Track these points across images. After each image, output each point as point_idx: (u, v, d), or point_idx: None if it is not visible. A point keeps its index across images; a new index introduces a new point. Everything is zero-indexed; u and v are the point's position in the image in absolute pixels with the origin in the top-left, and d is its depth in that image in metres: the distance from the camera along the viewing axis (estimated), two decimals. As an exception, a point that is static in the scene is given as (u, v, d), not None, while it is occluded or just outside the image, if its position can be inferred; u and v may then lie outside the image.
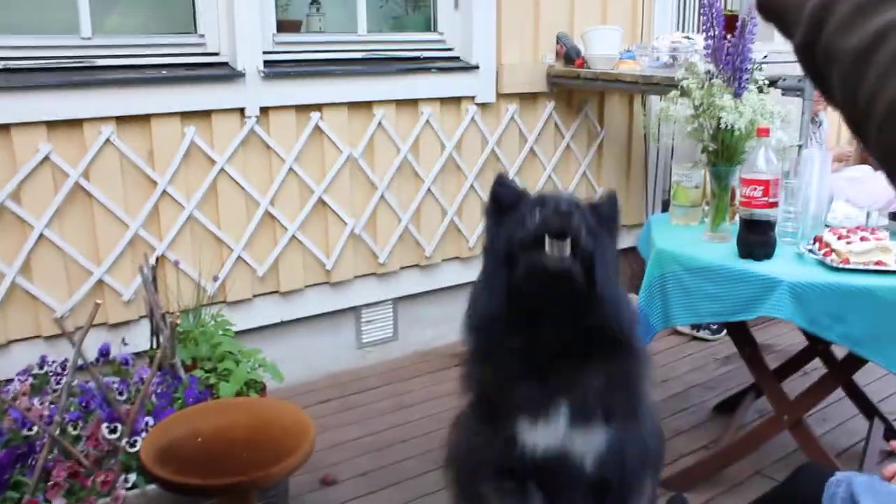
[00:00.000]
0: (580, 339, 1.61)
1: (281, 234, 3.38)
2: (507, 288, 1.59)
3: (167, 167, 3.03)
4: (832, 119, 4.95)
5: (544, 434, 1.62)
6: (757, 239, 2.34)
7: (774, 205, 2.34)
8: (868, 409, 2.97)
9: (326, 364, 3.73)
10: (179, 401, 2.36)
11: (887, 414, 3.02)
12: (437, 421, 3.27)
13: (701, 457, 2.88)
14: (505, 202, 1.66)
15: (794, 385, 3.29)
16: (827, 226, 2.56)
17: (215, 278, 3.16)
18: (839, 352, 2.69)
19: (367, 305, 3.79)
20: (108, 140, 2.88)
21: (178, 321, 2.32)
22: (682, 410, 3.38)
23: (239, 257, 3.27)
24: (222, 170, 3.16)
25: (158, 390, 2.43)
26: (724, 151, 2.55)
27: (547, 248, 1.51)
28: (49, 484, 2.11)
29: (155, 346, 2.71)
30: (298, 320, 3.57)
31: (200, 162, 3.13)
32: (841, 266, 2.22)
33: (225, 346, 2.60)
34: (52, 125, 2.80)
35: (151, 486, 2.20)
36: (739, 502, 2.61)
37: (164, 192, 3.04)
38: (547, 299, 1.58)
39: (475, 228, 3.99)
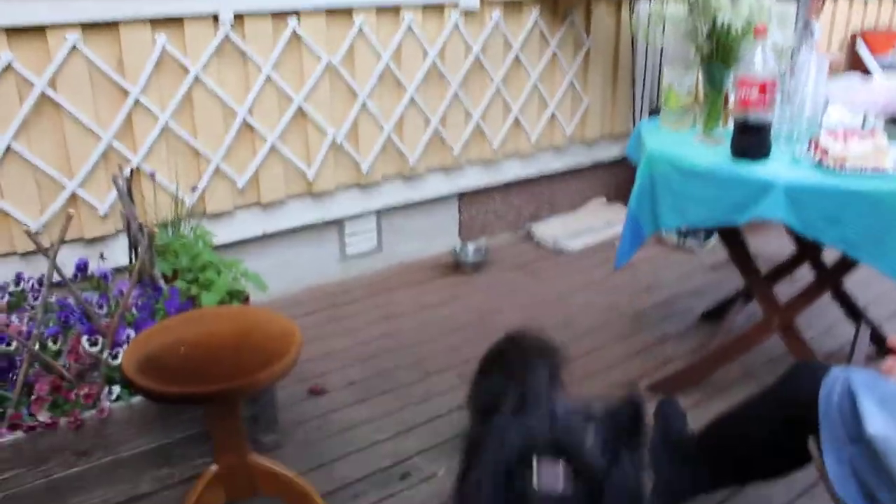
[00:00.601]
0: None
1: (260, 144, 3.28)
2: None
3: (138, 76, 2.90)
4: (822, 28, 4.85)
5: None
6: (752, 141, 2.28)
7: (771, 107, 2.27)
8: (854, 312, 2.96)
9: (311, 276, 3.68)
10: (161, 312, 2.31)
11: (873, 319, 3.02)
12: (424, 331, 3.26)
13: (689, 361, 2.88)
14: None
15: (783, 292, 3.29)
16: (822, 128, 2.50)
17: (193, 188, 3.07)
18: (829, 257, 2.67)
19: (351, 217, 3.72)
20: (74, 48, 2.74)
21: (156, 230, 2.24)
22: (671, 317, 3.38)
23: (217, 169, 3.18)
24: (197, 79, 3.03)
25: (139, 302, 2.38)
26: (719, 52, 2.47)
27: (535, 473, 1.15)
28: (32, 398, 2.08)
29: (134, 260, 2.64)
30: (281, 233, 3.51)
31: (173, 71, 3.00)
32: (837, 169, 2.16)
33: (206, 257, 2.54)
34: (12, 32, 2.65)
35: (137, 398, 2.18)
36: (728, 405, 2.61)
37: (137, 101, 2.92)
38: None
39: (459, 137, 3.90)
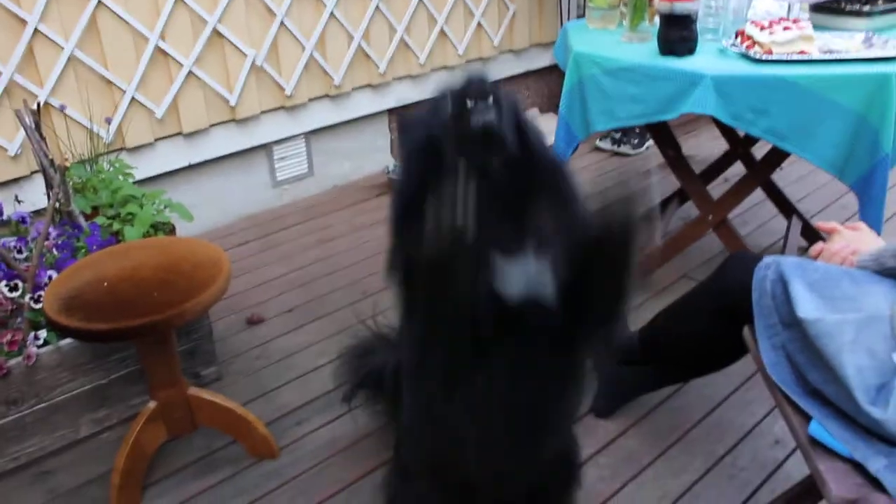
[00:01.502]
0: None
1: (176, 70, 3.13)
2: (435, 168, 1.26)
3: (34, 3, 2.71)
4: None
5: (518, 275, 1.30)
6: (678, 34, 2.25)
7: (695, -1, 2.23)
8: (786, 208, 3.00)
9: (242, 205, 3.59)
10: (83, 250, 2.21)
11: (804, 213, 3.07)
12: (361, 252, 3.22)
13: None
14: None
15: (716, 191, 3.32)
16: (747, 21, 2.48)
17: (108, 121, 2.92)
18: (759, 154, 2.68)
19: (278, 141, 3.61)
20: (-41, -27, 2.55)
21: (68, 164, 2.13)
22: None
23: (133, 99, 3.03)
24: (100, 2, 2.85)
25: (59, 241, 2.28)
26: (641, -57, 2.40)
27: (471, 113, 1.22)
28: (-47, 349, 1.99)
29: (54, 189, 2.52)
30: (207, 162, 3.39)
31: (73, -5, 2.82)
32: (764, 58, 2.15)
33: (126, 191, 2.43)
34: None
35: (66, 341, 2.10)
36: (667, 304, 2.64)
37: (36, 30, 2.73)
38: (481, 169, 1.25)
39: (385, 53, 3.79)
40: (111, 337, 1.76)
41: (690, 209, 2.84)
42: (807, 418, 1.39)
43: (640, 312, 2.59)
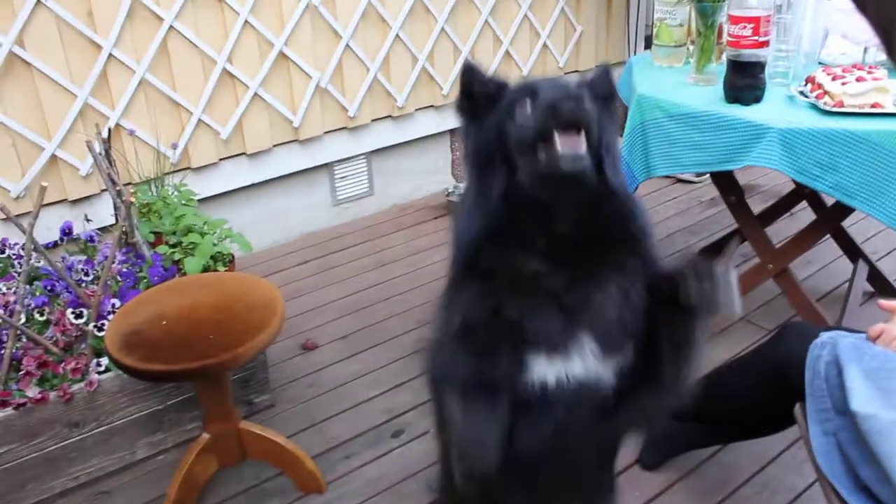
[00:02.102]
0: (594, 249, 1.22)
1: (242, 92, 3.19)
2: (504, 199, 1.19)
3: (110, 29, 2.80)
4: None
5: (564, 367, 1.24)
6: (745, 82, 2.19)
7: (765, 44, 2.17)
8: (852, 250, 2.91)
9: (302, 224, 3.64)
10: (145, 280, 2.28)
11: (870, 254, 2.97)
12: (418, 277, 3.24)
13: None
14: (482, 95, 1.23)
15: (781, 227, 3.24)
16: (821, 64, 2.41)
17: (174, 145, 3.00)
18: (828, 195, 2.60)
19: (340, 161, 3.65)
20: (38, 2, 2.63)
21: (133, 199, 2.19)
22: (668, 257, 3.31)
23: (200, 121, 3.10)
24: (171, 27, 2.93)
25: (123, 269, 2.35)
26: (710, -16, 2.35)
27: (558, 145, 1.12)
28: (20, 373, 2.07)
29: (119, 220, 2.60)
30: (269, 181, 3.45)
31: (146, 20, 2.89)
32: (834, 109, 2.08)
33: (189, 220, 2.49)
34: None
35: (125, 368, 2.17)
36: (726, 348, 2.60)
37: (111, 56, 2.82)
38: (556, 207, 1.19)
39: (449, 74, 3.79)
40: (167, 378, 1.82)
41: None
42: (856, 517, 1.36)
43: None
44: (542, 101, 1.12)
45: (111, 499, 2.17)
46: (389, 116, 3.70)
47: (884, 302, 1.66)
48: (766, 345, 1.82)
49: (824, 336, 1.56)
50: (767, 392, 1.75)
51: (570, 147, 1.11)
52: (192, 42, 2.99)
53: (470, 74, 1.23)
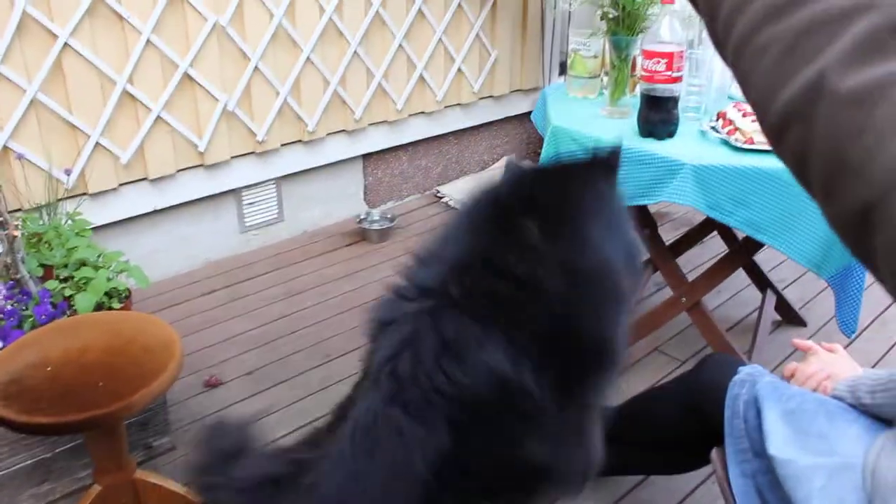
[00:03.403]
0: None
1: (144, 115, 3.04)
2: None
3: (-3, 44, 2.62)
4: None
5: None
6: (659, 117, 2.19)
7: (678, 79, 2.18)
8: (760, 279, 2.96)
9: (207, 252, 3.49)
10: (31, 319, 2.11)
11: (777, 283, 3.03)
12: (327, 309, 3.14)
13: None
14: None
15: (692, 255, 3.28)
16: (731, 98, 2.43)
17: (67, 172, 2.82)
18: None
19: (248, 187, 3.52)
20: (-82, 14, 2.45)
21: (17, 233, 2.03)
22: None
23: (97, 144, 2.93)
24: (66, 45, 2.76)
25: (7, 307, 2.18)
26: (625, 19, 2.35)
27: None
28: None
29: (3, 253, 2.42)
30: (173, 207, 3.29)
31: (39, 36, 2.71)
32: (745, 146, 2.10)
33: (82, 252, 2.33)
34: None
35: (7, 414, 2.00)
36: (640, 379, 2.59)
37: (-2, 73, 2.64)
38: None
39: (360, 99, 3.71)
40: (52, 431, 1.68)
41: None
42: (775, 564, 1.33)
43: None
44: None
45: (-10, 558, 2.00)
46: (300, 141, 3.60)
47: (797, 341, 1.67)
48: (686, 376, 1.80)
49: (743, 372, 1.55)
50: (686, 423, 1.72)
51: None
52: (89, 61, 2.82)
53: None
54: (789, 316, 2.97)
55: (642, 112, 2.24)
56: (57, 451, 2.12)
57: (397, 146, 4.04)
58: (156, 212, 3.23)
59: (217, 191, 3.40)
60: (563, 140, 2.35)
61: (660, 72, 2.18)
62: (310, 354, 2.82)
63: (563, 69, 4.50)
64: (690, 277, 2.63)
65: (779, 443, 1.37)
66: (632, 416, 2.02)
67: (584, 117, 2.43)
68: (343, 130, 3.73)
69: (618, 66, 2.43)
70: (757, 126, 2.01)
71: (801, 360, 1.62)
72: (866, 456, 1.30)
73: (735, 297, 3.19)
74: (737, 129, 2.17)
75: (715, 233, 3.02)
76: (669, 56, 2.17)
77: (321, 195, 3.83)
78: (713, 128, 2.25)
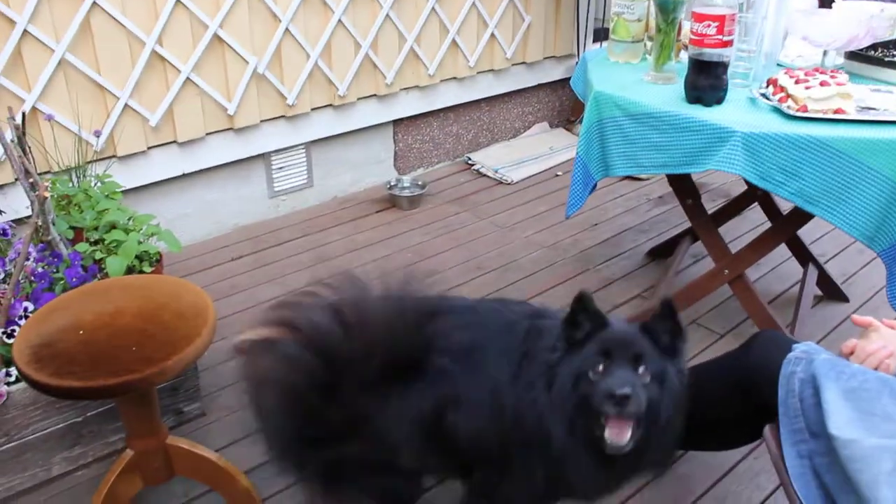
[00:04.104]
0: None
1: (173, 77, 2.98)
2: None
3: (25, 2, 2.56)
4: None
5: None
6: (708, 83, 2.10)
7: (728, 44, 2.09)
8: (802, 253, 2.87)
9: (236, 217, 3.45)
10: (62, 282, 2.08)
11: (819, 256, 2.95)
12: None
13: (637, 307, 2.78)
14: (581, 329, 1.46)
15: (731, 227, 3.19)
16: (780, 66, 2.33)
17: (96, 133, 2.78)
18: (780, 199, 2.54)
19: (277, 151, 3.47)
20: (-55, -29, 2.39)
21: (48, 193, 1.99)
22: (616, 256, 3.25)
23: (126, 106, 2.88)
24: (95, 4, 2.70)
25: (38, 269, 2.14)
26: (672, -22, 2.25)
27: (607, 431, 1.38)
28: (-83, 383, 1.86)
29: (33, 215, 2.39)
30: (202, 171, 3.25)
31: (67, -5, 2.67)
32: (798, 114, 2.01)
33: (112, 215, 2.29)
34: None
35: (39, 377, 1.97)
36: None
37: (25, 32, 2.59)
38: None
39: (392, 63, 3.63)
40: (84, 395, 1.63)
41: (702, 246, 2.70)
42: (834, 549, 1.27)
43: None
44: (605, 386, 1.35)
45: (23, 520, 1.99)
46: (330, 105, 3.53)
47: (857, 317, 1.59)
48: (737, 352, 1.73)
49: (798, 350, 1.48)
50: (735, 401, 1.66)
51: (616, 435, 1.37)
52: (118, 21, 2.77)
53: (583, 303, 1.45)
54: (831, 291, 2.88)
55: (690, 77, 2.15)
56: (88, 415, 2.09)
57: (428, 112, 3.96)
58: (184, 176, 3.19)
59: (246, 155, 3.35)
60: (606, 106, 2.27)
61: (710, 35, 2.09)
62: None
63: (597, 36, 4.40)
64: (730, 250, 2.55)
65: (840, 422, 1.31)
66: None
67: (628, 83, 2.34)
68: (374, 95, 3.66)
69: (664, 29, 2.32)
70: (811, 93, 1.92)
71: (860, 336, 1.55)
72: (938, 437, 1.23)
73: (775, 270, 3.10)
74: (789, 96, 2.07)
75: (755, 204, 2.93)
76: (721, 19, 2.08)
77: (351, 161, 3.77)
78: (763, 95, 2.16)
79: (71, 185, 2.54)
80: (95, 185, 2.54)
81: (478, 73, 4.04)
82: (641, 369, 1.39)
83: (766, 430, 1.50)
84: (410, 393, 1.54)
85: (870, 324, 1.54)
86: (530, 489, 1.58)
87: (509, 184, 3.95)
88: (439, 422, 1.55)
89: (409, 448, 1.58)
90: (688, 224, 2.90)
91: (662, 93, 2.24)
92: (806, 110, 2.01)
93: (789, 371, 1.46)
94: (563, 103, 4.60)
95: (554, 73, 4.42)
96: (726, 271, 2.42)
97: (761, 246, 2.40)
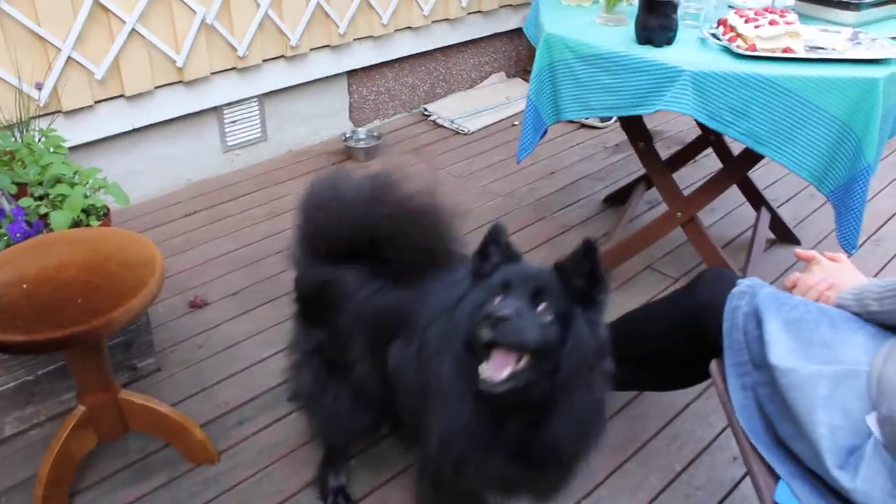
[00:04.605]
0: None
1: (118, 28, 2.89)
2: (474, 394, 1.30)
3: (-43, -51, 2.47)
4: None
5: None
6: (658, 22, 2.09)
7: (678, -18, 2.08)
8: (755, 197, 2.90)
9: (189, 172, 3.40)
10: (5, 238, 2.03)
11: (772, 201, 2.98)
12: (314, 229, 3.05)
13: (591, 252, 2.78)
14: (489, 262, 1.36)
15: (685, 174, 3.22)
16: (731, 7, 2.33)
17: (38, 86, 2.70)
18: (733, 142, 2.56)
19: (230, 104, 3.40)
20: None
21: (-14, 145, 1.94)
22: (572, 204, 3.26)
23: (69, 58, 2.80)
24: (31, -49, 2.61)
25: (-21, 225, 2.09)
26: (621, -83, 2.23)
27: (482, 367, 1.23)
28: None
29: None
30: (152, 126, 3.18)
31: (2, -58, 2.57)
32: (747, 53, 2.01)
33: (57, 169, 2.24)
34: None
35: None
36: (632, 296, 2.56)
37: (-41, -19, 2.50)
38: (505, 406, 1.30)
39: (345, 13, 3.57)
40: (30, 349, 1.61)
41: (657, 193, 2.72)
42: (773, 477, 1.30)
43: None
44: (493, 310, 1.21)
45: (-25, 480, 1.96)
46: (282, 56, 3.46)
47: (800, 251, 1.61)
48: (684, 290, 1.75)
49: (742, 285, 1.50)
50: (683, 338, 1.69)
51: (492, 369, 1.22)
52: (56, -31, 2.68)
53: (494, 234, 1.37)
54: (783, 234, 2.93)
55: (640, 17, 2.14)
56: (39, 373, 2.07)
57: (383, 63, 3.91)
58: (134, 131, 3.12)
59: (197, 108, 3.28)
60: (557, 48, 2.25)
61: (659, -26, 2.08)
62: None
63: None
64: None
65: (781, 352, 1.33)
66: (627, 332, 1.97)
67: (579, 25, 2.32)
68: (327, 46, 3.60)
69: (614, -29, 2.31)
70: (760, 32, 1.92)
71: (803, 270, 1.57)
72: (872, 362, 1.26)
73: (729, 215, 3.14)
74: (738, 35, 2.08)
75: (709, 150, 2.95)
76: (669, -42, 2.07)
77: (305, 113, 3.72)
78: (714, 35, 2.16)
79: (13, 140, 2.47)
80: (39, 140, 2.47)
81: (433, 22, 3.98)
82: (542, 306, 1.25)
83: (713, 364, 1.52)
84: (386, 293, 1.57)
85: (812, 258, 1.57)
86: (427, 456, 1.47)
87: (466, 134, 3.93)
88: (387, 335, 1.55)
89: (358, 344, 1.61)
90: (644, 172, 2.92)
91: (613, 34, 2.23)
92: (755, 49, 2.02)
93: (733, 305, 1.48)
94: (520, 53, 4.57)
95: (510, 21, 4.37)
96: (679, 214, 2.43)
97: (713, 188, 2.41)
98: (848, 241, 2.06)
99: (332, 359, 1.71)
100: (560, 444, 1.32)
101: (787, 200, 3.25)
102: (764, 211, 2.83)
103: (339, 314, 1.63)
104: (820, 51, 2.06)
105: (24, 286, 1.69)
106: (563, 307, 1.26)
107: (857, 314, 1.39)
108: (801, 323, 1.37)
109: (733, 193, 3.06)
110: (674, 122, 3.99)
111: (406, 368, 1.51)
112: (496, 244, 1.36)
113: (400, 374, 1.53)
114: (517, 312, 1.21)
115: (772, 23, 2.03)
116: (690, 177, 3.31)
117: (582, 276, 1.29)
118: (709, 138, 2.84)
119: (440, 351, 1.37)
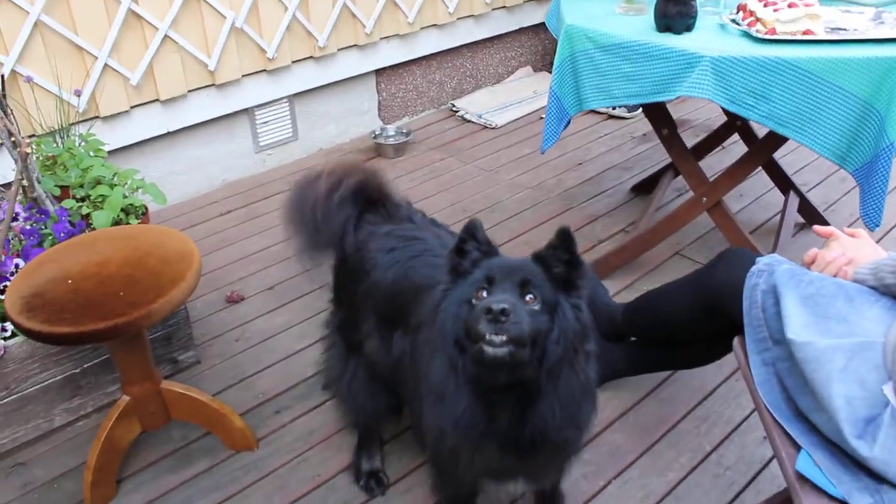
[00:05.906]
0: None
1: (151, 34, 2.99)
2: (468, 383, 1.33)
3: (-3, -36, 2.57)
4: None
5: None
6: (676, 10, 2.12)
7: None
8: (783, 182, 2.90)
9: (223, 173, 3.48)
10: (50, 237, 2.12)
11: (801, 186, 2.98)
12: (345, 225, 3.12)
13: (620, 241, 2.82)
14: (468, 258, 1.36)
15: (713, 161, 3.23)
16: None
17: (77, 93, 2.80)
18: (759, 127, 2.57)
19: (261, 106, 3.48)
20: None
21: (29, 150, 2.02)
22: (600, 194, 3.29)
23: (106, 65, 2.89)
24: (67, -37, 2.71)
25: (26, 227, 2.19)
26: None
27: (486, 335, 1.23)
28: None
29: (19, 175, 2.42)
30: (187, 129, 3.27)
31: (39, -45, 2.66)
32: (766, 37, 2.03)
33: (97, 171, 2.32)
34: None
35: (34, 331, 2.03)
36: (660, 283, 2.56)
37: (0, -5, 2.60)
38: (495, 388, 1.32)
39: (372, 12, 3.63)
40: (76, 340, 1.68)
41: (684, 181, 2.74)
42: (795, 447, 1.33)
43: (633, 292, 2.54)
44: (484, 303, 1.24)
45: (28, 470, 2.05)
46: (311, 57, 3.54)
47: (818, 227, 1.64)
48: (702, 270, 1.79)
49: (761, 263, 1.52)
50: (703, 316, 1.73)
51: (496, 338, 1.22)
52: (92, -20, 2.77)
53: (470, 230, 1.36)
54: (813, 218, 2.92)
55: (659, 6, 2.16)
56: (85, 366, 2.15)
57: (410, 61, 3.97)
58: (168, 134, 3.21)
59: (229, 110, 3.36)
60: (577, 39, 2.28)
61: (677, -38, 2.10)
62: (330, 267, 2.81)
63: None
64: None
65: (797, 327, 1.36)
66: (648, 311, 2.02)
67: (599, 15, 2.35)
68: (354, 45, 3.67)
69: (633, -41, 2.34)
70: (779, 15, 1.94)
71: (822, 246, 1.59)
72: (888, 334, 1.28)
73: (757, 200, 3.14)
74: (758, 19, 2.09)
75: (736, 136, 2.96)
76: (687, -55, 2.09)
77: (335, 112, 3.79)
78: (733, 20, 2.18)
79: (55, 145, 2.56)
80: (79, 144, 2.56)
81: (458, 19, 4.03)
82: (529, 297, 1.28)
83: (735, 341, 1.55)
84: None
85: (831, 234, 1.59)
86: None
87: (494, 128, 3.97)
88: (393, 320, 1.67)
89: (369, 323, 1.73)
90: (671, 161, 2.94)
91: (633, 24, 2.26)
92: (774, 33, 2.03)
93: (752, 283, 1.51)
94: (546, 47, 4.60)
95: (535, 16, 4.40)
96: (704, 199, 2.45)
97: (737, 171, 2.43)
98: (871, 219, 2.07)
99: (349, 336, 1.83)
100: (548, 426, 1.34)
101: (816, 184, 3.24)
102: (792, 195, 2.83)
103: (352, 293, 1.79)
104: (841, 32, 2.07)
105: (70, 282, 1.77)
106: (548, 295, 1.30)
107: (873, 288, 1.41)
108: (818, 298, 1.39)
109: (762, 179, 3.07)
110: (701, 111, 3.99)
111: (404, 364, 1.60)
112: (473, 240, 1.37)
113: (401, 365, 1.62)
114: (514, 305, 1.23)
115: (791, 5, 2.04)
116: (718, 164, 3.32)
117: (561, 263, 1.32)
118: (735, 123, 2.85)
119: (429, 354, 1.41)
